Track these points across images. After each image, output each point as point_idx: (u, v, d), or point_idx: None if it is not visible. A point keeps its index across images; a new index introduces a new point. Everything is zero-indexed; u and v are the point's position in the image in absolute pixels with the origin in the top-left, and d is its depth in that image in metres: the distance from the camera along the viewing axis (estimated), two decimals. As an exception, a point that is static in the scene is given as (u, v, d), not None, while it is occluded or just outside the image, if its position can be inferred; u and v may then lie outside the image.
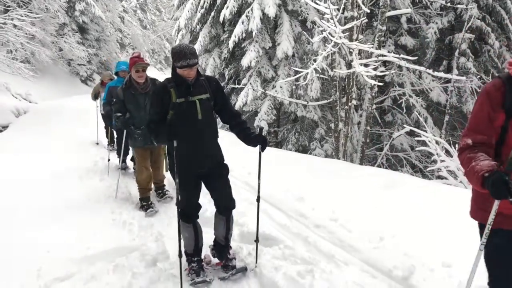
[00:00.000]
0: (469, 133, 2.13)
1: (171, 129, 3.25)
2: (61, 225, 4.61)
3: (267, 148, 3.51)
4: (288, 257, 3.76)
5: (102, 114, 8.21)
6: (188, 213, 3.49)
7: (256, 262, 3.68)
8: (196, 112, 3.32)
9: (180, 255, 3.35)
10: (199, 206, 3.61)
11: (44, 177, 6.51)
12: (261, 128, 3.51)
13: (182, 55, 3.17)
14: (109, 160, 7.18)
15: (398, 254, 3.70)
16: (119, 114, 5.17)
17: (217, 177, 3.54)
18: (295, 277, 3.39)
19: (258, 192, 3.63)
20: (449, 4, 10.09)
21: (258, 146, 3.40)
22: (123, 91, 5.11)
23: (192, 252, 3.61)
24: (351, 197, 5.11)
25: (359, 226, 4.32)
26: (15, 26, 13.30)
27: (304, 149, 13.47)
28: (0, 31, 12.52)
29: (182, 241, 3.47)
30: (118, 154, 6.89)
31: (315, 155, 12.00)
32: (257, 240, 3.68)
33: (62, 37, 21.10)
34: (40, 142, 9.25)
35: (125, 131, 6.17)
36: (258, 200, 3.64)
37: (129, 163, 7.24)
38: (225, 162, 3.62)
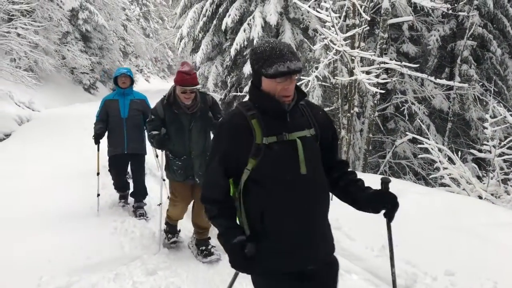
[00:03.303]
0: None
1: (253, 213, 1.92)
2: (62, 234, 4.60)
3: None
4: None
5: None
6: None
7: None
8: (296, 161, 1.91)
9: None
10: None
11: (45, 186, 6.51)
12: (387, 182, 2.03)
13: (276, 56, 1.85)
14: (98, 195, 5.48)
15: (400, 262, 3.67)
16: (155, 133, 3.96)
17: (326, 283, 2.08)
18: (297, 286, 3.36)
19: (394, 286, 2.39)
20: (450, 12, 10.09)
21: (383, 212, 2.06)
22: (164, 108, 3.94)
23: None
24: (354, 205, 5.07)
25: (362, 235, 4.29)
26: (18, 34, 13.38)
27: (306, 157, 13.42)
28: (3, 39, 12.59)
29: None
30: (116, 187, 5.76)
31: (318, 162, 11.94)
32: None
33: (65, 46, 21.19)
34: (42, 151, 9.25)
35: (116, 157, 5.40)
36: None
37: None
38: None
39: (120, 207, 5.68)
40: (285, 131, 1.91)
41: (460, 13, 11.02)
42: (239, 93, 13.51)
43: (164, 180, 4.88)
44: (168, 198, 4.58)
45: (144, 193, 5.61)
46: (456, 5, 10.42)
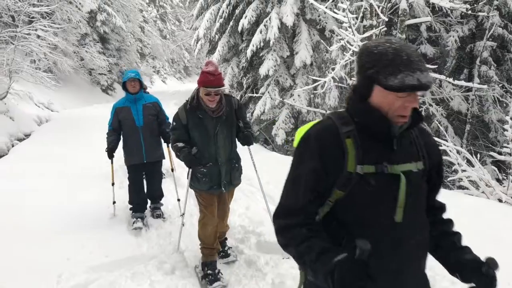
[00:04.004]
0: None
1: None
2: (81, 233, 4.66)
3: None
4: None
5: None
6: None
7: None
8: (393, 204, 1.48)
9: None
10: None
11: (63, 185, 6.61)
12: (492, 267, 1.53)
13: (403, 63, 1.39)
14: (114, 202, 5.36)
15: (418, 265, 3.64)
16: (181, 145, 3.63)
17: None
18: None
19: None
20: (470, 12, 9.96)
21: None
22: (187, 112, 3.60)
23: None
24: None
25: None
26: (38, 36, 13.62)
27: (322, 158, 13.39)
28: (24, 41, 12.83)
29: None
30: (133, 202, 5.29)
31: (334, 164, 11.90)
32: None
33: (84, 47, 21.50)
34: (61, 152, 9.40)
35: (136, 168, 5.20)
36: None
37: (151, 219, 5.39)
38: None
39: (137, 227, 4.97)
40: (387, 161, 1.47)
41: (479, 13, 10.86)
42: (254, 94, 13.53)
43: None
44: (181, 215, 4.33)
45: (161, 195, 5.58)
46: (475, 5, 10.28)
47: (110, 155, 5.14)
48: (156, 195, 5.53)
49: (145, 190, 5.49)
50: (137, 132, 4.99)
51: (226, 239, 4.28)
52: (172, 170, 5.60)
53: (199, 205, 3.85)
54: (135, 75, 4.99)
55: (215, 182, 3.67)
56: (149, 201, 5.56)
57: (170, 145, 3.88)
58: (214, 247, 3.85)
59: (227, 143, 3.68)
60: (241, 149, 3.93)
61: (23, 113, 12.81)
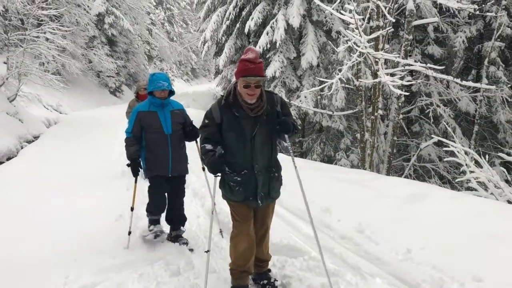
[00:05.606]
0: None
1: None
2: (88, 234, 4.69)
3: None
4: (313, 268, 3.72)
5: None
6: None
7: None
8: None
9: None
10: None
11: (71, 187, 6.64)
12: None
13: None
14: (130, 233, 4.48)
15: (426, 267, 3.61)
16: (208, 147, 3.10)
17: None
18: (320, 289, 3.35)
19: None
20: (477, 12, 9.90)
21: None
22: (221, 110, 3.11)
23: None
24: (378, 209, 5.02)
25: (386, 238, 4.24)
26: (47, 39, 13.72)
27: (329, 160, 13.38)
28: (33, 44, 12.93)
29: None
30: (153, 209, 4.54)
31: (341, 165, 11.90)
32: None
33: (92, 50, 21.65)
34: (69, 153, 9.45)
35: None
36: None
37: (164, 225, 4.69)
38: None
39: (151, 236, 4.48)
40: None
41: (487, 13, 10.80)
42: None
43: (213, 213, 3.58)
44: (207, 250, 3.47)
45: (184, 219, 4.70)
46: (483, 5, 10.22)
47: (135, 169, 4.31)
48: (179, 219, 4.67)
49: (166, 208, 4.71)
50: (166, 141, 4.34)
51: (269, 270, 3.58)
52: (203, 169, 4.76)
53: (232, 219, 3.33)
54: (167, 87, 4.31)
55: (250, 193, 3.15)
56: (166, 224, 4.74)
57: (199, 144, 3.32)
58: (246, 269, 3.31)
59: (266, 147, 3.15)
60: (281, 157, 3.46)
61: (32, 115, 12.90)
